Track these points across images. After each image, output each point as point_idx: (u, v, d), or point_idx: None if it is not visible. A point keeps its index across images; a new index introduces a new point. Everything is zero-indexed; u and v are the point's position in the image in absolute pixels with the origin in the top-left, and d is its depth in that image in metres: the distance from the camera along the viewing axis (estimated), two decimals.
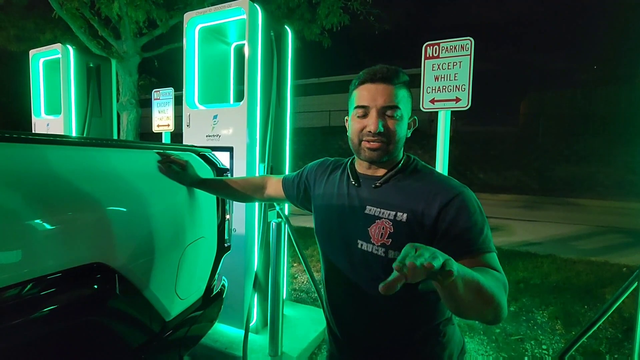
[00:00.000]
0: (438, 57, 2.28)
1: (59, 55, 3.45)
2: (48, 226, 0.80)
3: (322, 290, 1.14)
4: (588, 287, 3.44)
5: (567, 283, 3.53)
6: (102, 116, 3.81)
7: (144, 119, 5.77)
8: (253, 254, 2.17)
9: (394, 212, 0.85)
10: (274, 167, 2.24)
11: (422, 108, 2.37)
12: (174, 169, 1.23)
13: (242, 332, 1.88)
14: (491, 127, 18.64)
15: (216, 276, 1.54)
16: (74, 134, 3.50)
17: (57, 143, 0.95)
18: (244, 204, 2.10)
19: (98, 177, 0.98)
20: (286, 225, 2.02)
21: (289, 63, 2.39)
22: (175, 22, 5.34)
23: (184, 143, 2.08)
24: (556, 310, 2.92)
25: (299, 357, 2.09)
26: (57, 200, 0.84)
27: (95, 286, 0.89)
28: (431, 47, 2.30)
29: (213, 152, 1.59)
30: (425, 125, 14.21)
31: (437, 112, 2.34)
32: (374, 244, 0.86)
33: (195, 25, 2.37)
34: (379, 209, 0.87)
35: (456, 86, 2.23)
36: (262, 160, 2.16)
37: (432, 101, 2.31)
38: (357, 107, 0.88)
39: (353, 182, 0.95)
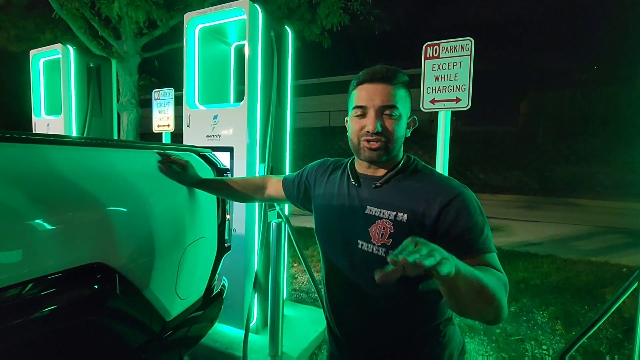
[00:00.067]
0: (438, 57, 2.28)
1: (59, 56, 3.45)
2: (48, 226, 0.80)
3: (322, 290, 1.14)
4: (588, 287, 3.44)
5: (568, 283, 3.53)
6: (102, 116, 3.81)
7: (144, 119, 5.77)
8: (253, 254, 2.17)
9: (394, 213, 0.85)
10: (274, 168, 2.24)
11: (422, 108, 2.37)
12: (175, 169, 1.23)
13: (242, 332, 1.88)
14: (491, 127, 18.65)
15: (216, 276, 1.54)
16: (74, 134, 3.50)
17: (57, 143, 0.95)
18: (244, 204, 2.11)
19: (98, 177, 0.98)
20: (286, 226, 2.01)
21: (289, 63, 2.39)
22: (175, 22, 5.34)
23: (184, 143, 2.08)
24: (556, 310, 2.92)
25: (299, 357, 2.09)
26: (57, 200, 0.84)
27: (96, 286, 0.89)
28: (431, 47, 2.30)
29: (213, 152, 1.59)
30: (426, 126, 14.22)
31: (437, 112, 2.34)
32: (374, 244, 0.86)
33: (196, 26, 2.38)
34: (379, 209, 0.87)
35: (456, 86, 2.23)
36: (262, 160, 2.16)
37: (432, 101, 2.31)
38: (356, 107, 0.88)
39: (353, 182, 0.95)
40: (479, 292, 0.62)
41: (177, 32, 5.57)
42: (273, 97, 2.21)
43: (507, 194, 10.77)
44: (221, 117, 2.23)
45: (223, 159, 2.10)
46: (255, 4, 2.10)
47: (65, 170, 0.90)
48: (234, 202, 1.71)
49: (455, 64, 2.23)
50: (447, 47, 2.25)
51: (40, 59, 3.71)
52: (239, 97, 2.36)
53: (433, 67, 2.29)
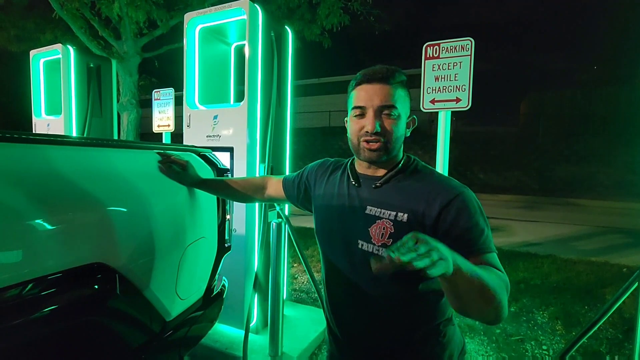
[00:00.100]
0: (438, 57, 2.28)
1: (60, 56, 3.45)
2: (49, 226, 0.80)
3: (322, 290, 1.14)
4: (588, 287, 3.44)
5: (568, 283, 3.52)
6: (102, 116, 3.81)
7: (145, 119, 5.77)
8: (253, 254, 2.17)
9: (394, 213, 0.85)
10: (274, 168, 2.24)
11: (422, 108, 2.37)
12: (175, 169, 1.23)
13: (243, 332, 1.88)
14: (491, 127, 18.63)
15: (216, 276, 1.54)
16: (74, 134, 3.50)
17: (57, 143, 0.95)
18: (244, 204, 2.11)
19: (98, 177, 0.98)
20: (286, 226, 2.01)
21: (289, 63, 2.39)
22: (175, 22, 5.34)
23: (184, 143, 2.08)
24: (556, 310, 2.92)
25: (299, 357, 2.09)
26: (57, 201, 0.84)
27: (96, 286, 0.89)
28: (431, 47, 2.30)
29: (213, 153, 1.59)
30: (426, 126, 14.22)
31: (437, 113, 2.34)
32: (374, 244, 0.86)
33: (196, 26, 2.38)
34: (379, 209, 0.87)
35: (456, 86, 2.23)
36: (262, 160, 2.16)
37: (433, 101, 2.32)
38: (355, 107, 0.89)
39: (353, 183, 0.96)
40: (480, 291, 0.62)
41: (177, 32, 5.57)
42: (273, 97, 2.21)
43: (507, 194, 10.77)
44: (221, 117, 2.23)
45: (223, 159, 2.10)
46: (255, 4, 2.10)
47: (65, 170, 0.90)
48: (234, 202, 1.71)
49: (455, 64, 2.23)
50: (447, 48, 2.25)
51: (40, 59, 3.71)
52: (239, 97, 2.36)
53: (433, 67, 2.29)
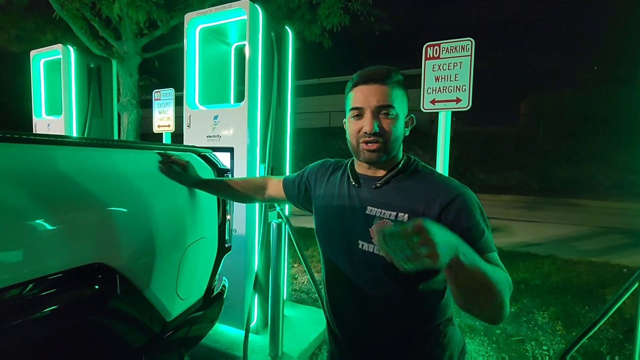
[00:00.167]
0: (439, 57, 2.28)
1: (60, 56, 3.45)
2: (49, 226, 0.80)
3: (322, 290, 1.14)
4: (589, 287, 3.44)
5: (568, 284, 3.52)
6: (102, 117, 3.81)
7: (145, 120, 5.78)
8: (253, 254, 2.17)
9: (394, 213, 0.85)
10: (275, 168, 2.24)
11: (422, 109, 2.37)
12: (175, 169, 1.23)
13: (243, 332, 1.88)
14: (491, 127, 18.63)
15: (217, 276, 1.54)
16: (74, 134, 3.50)
17: (58, 143, 0.95)
18: (244, 204, 2.11)
19: (99, 177, 0.98)
20: (286, 226, 2.02)
21: (290, 64, 2.39)
22: (175, 22, 5.35)
23: (184, 143, 2.08)
24: (557, 311, 2.92)
25: (299, 357, 2.09)
26: (58, 201, 0.84)
27: (96, 286, 0.89)
28: (432, 47, 2.30)
29: (214, 153, 1.59)
30: (426, 126, 14.23)
31: (437, 113, 2.34)
32: (375, 244, 0.86)
33: (196, 26, 2.38)
34: (379, 210, 0.87)
35: (457, 87, 2.23)
36: (262, 160, 2.16)
37: (433, 102, 2.32)
38: (352, 109, 0.89)
39: (353, 183, 0.96)
40: (483, 284, 0.62)
41: (177, 33, 5.58)
42: (273, 98, 2.21)
43: (508, 194, 10.77)
44: (221, 117, 2.23)
45: (223, 159, 2.10)
46: (255, 5, 2.10)
47: (66, 170, 0.90)
48: (234, 202, 1.71)
49: (455, 64, 2.23)
50: (447, 48, 2.25)
51: (40, 60, 3.71)
52: (240, 97, 2.36)
53: (433, 67, 2.29)
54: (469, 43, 2.19)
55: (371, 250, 0.87)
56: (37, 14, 6.52)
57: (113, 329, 0.96)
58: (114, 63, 4.12)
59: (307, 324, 2.46)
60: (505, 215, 7.52)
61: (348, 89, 0.92)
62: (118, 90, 4.90)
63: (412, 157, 0.95)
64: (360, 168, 0.97)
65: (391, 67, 0.87)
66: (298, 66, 2.58)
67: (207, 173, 1.44)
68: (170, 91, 3.91)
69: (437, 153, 2.33)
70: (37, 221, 0.78)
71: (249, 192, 1.29)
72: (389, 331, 0.91)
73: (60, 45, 3.48)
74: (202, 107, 2.38)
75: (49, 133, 3.58)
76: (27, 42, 6.57)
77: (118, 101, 4.94)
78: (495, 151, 13.09)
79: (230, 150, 2.17)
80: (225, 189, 1.32)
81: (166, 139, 3.98)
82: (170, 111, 3.91)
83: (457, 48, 2.22)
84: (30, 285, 0.75)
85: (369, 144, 0.87)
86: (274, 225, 1.96)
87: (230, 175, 1.61)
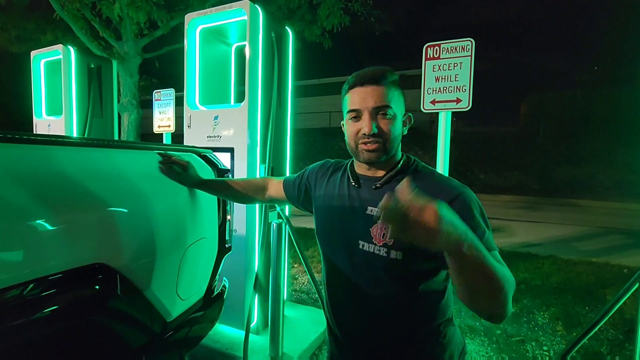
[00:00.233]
0: (439, 58, 2.28)
1: (60, 56, 3.45)
2: (50, 227, 0.80)
3: (322, 290, 1.14)
4: (589, 288, 3.44)
5: (568, 284, 3.52)
6: (103, 117, 3.81)
7: (145, 120, 5.78)
8: (254, 254, 2.17)
9: None
10: (275, 168, 2.24)
11: (422, 109, 2.38)
12: (175, 169, 1.23)
13: (243, 332, 1.88)
14: (492, 127, 18.66)
15: (217, 277, 1.54)
16: (75, 134, 3.50)
17: (58, 144, 0.95)
18: (244, 205, 2.11)
19: (99, 177, 0.98)
20: (287, 226, 2.02)
21: (290, 64, 2.39)
22: (176, 23, 5.35)
23: (185, 144, 2.08)
24: (557, 311, 2.92)
25: (299, 357, 2.09)
26: (58, 201, 0.84)
27: (97, 286, 0.89)
28: (432, 48, 2.30)
29: (214, 153, 1.59)
30: (426, 126, 14.23)
31: (437, 113, 2.34)
32: (375, 244, 0.86)
33: (196, 27, 2.38)
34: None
35: (457, 87, 2.23)
36: (262, 161, 2.16)
37: (433, 102, 2.32)
38: (350, 111, 0.89)
39: (353, 184, 0.96)
40: (487, 275, 0.60)
41: (177, 33, 5.58)
42: (274, 98, 2.21)
43: (508, 194, 10.77)
44: (222, 117, 2.23)
45: (224, 159, 2.11)
46: (255, 5, 2.10)
47: (66, 170, 0.90)
48: (235, 203, 1.71)
49: (455, 64, 2.23)
50: (447, 48, 2.25)
51: (41, 60, 3.72)
52: (240, 97, 2.36)
53: (434, 67, 2.30)
54: (469, 43, 2.20)
55: (371, 251, 0.87)
56: (38, 14, 6.53)
57: (113, 329, 0.96)
58: (115, 63, 4.12)
59: (307, 324, 2.46)
60: (505, 215, 7.52)
61: (344, 92, 0.92)
62: (118, 90, 4.91)
63: (411, 157, 0.95)
64: (360, 169, 0.97)
65: (386, 67, 0.88)
66: (298, 66, 2.58)
67: (207, 173, 1.44)
68: (171, 91, 3.91)
69: (437, 153, 2.33)
70: (37, 221, 0.78)
71: (249, 193, 1.29)
72: (389, 331, 0.91)
73: (60, 45, 3.48)
74: (202, 108, 2.39)
75: (50, 133, 3.58)
76: (28, 43, 6.58)
77: (118, 101, 4.95)
78: (496, 151, 13.09)
79: (231, 150, 2.18)
80: (226, 190, 1.32)
81: (166, 139, 3.99)
82: (170, 111, 3.92)
83: (457, 48, 2.23)
84: (31, 285, 0.75)
85: (368, 145, 0.87)
86: (274, 225, 1.96)
87: (230, 175, 1.61)
